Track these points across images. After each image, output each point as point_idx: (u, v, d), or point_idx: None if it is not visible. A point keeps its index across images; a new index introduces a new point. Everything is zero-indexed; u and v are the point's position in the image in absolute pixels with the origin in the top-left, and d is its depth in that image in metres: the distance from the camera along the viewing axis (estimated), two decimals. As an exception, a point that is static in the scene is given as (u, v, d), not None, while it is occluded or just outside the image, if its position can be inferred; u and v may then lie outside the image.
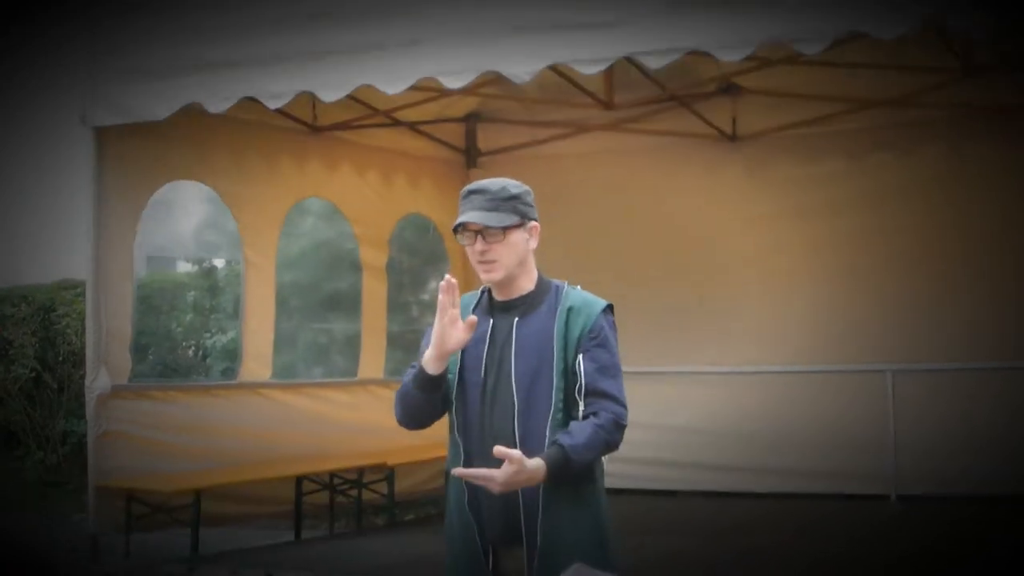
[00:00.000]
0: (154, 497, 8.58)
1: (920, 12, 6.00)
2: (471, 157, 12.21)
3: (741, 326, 11.12)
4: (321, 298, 14.96)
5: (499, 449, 3.55)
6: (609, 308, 3.87)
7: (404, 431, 11.71)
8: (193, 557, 8.47)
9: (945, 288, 10.43)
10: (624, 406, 3.73)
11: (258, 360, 9.99)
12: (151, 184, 9.07)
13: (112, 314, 8.64)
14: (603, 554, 3.75)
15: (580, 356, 3.74)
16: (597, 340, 3.78)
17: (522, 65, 6.95)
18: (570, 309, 3.80)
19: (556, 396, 3.73)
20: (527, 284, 3.86)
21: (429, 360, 3.76)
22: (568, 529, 3.72)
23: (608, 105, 10.46)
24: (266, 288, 10.08)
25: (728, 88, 10.87)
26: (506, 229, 3.78)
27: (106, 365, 8.55)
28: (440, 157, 11.96)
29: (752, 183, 11.21)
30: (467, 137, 12.24)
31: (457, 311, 3.75)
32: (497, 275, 3.81)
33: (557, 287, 3.89)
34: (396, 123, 11.04)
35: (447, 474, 3.96)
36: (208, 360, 15.85)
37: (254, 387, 9.89)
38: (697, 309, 11.28)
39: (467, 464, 3.82)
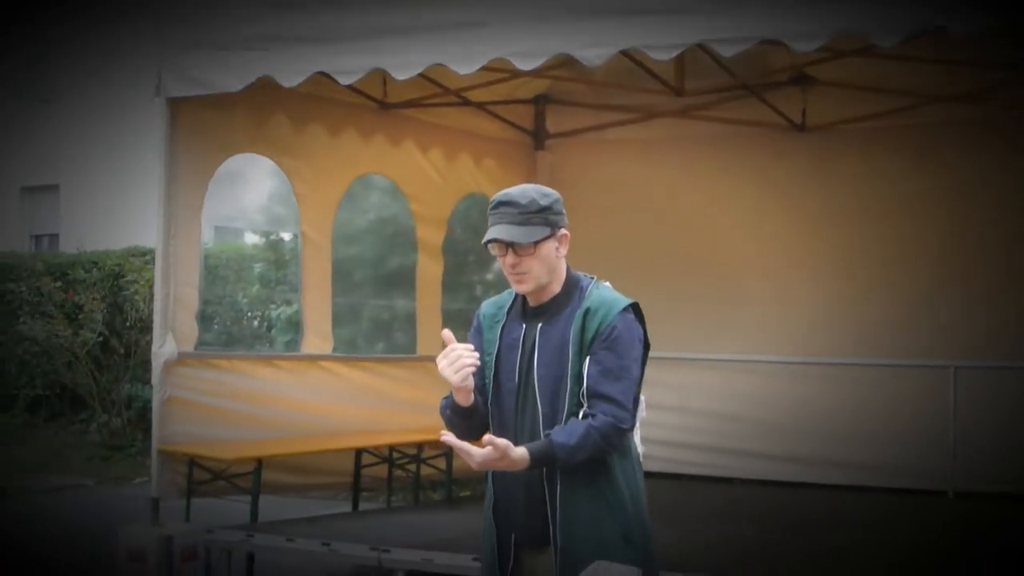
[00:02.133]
0: (215, 464, 8.64)
1: (999, 9, 5.90)
2: (539, 139, 12.17)
3: (803, 316, 11.02)
4: (382, 274, 15.00)
5: (487, 437, 3.59)
6: (630, 307, 3.81)
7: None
8: (252, 524, 8.50)
9: (1009, 285, 10.29)
10: (626, 409, 3.68)
11: (319, 334, 10.02)
12: (218, 155, 9.10)
13: (180, 282, 8.69)
14: (631, 549, 3.71)
15: (588, 359, 3.71)
16: (606, 342, 3.73)
17: (594, 48, 6.91)
18: (587, 311, 3.77)
19: (570, 400, 3.71)
20: (555, 287, 3.84)
21: (455, 393, 3.84)
22: (587, 526, 3.71)
23: (678, 92, 10.38)
24: (323, 262, 10.08)
25: (799, 78, 10.76)
26: (536, 243, 3.75)
27: (173, 332, 8.60)
28: (506, 138, 11.92)
29: (818, 175, 11.10)
30: (536, 119, 12.19)
31: (457, 349, 3.78)
32: (527, 287, 3.81)
33: (583, 287, 3.84)
34: (466, 103, 11.01)
35: (487, 475, 3.96)
36: (273, 332, 15.96)
37: (316, 360, 9.92)
38: (756, 297, 11.20)
39: (499, 473, 3.85)
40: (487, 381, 3.86)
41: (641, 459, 3.92)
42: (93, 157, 22.98)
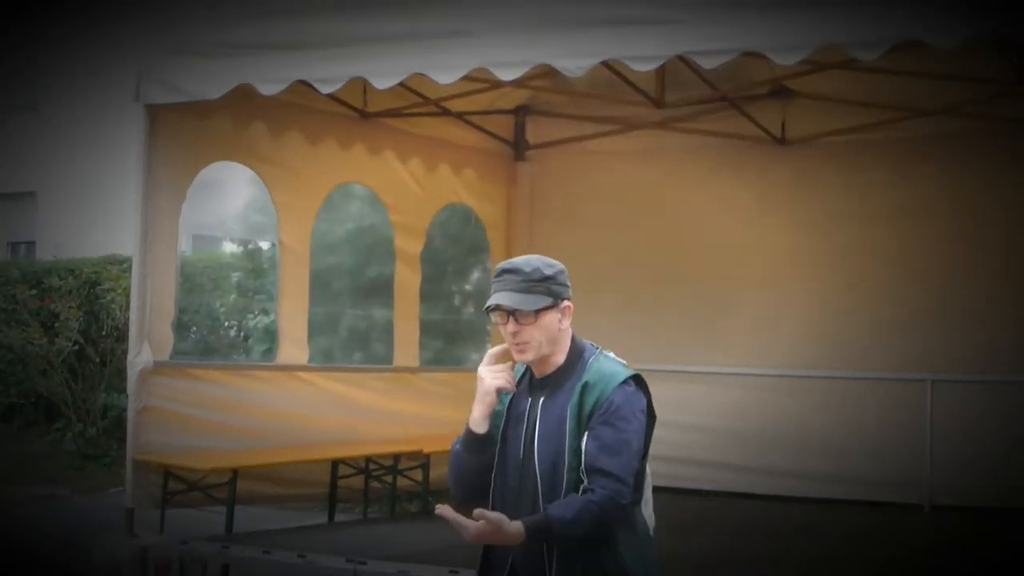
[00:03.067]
0: (191, 474, 8.59)
1: (980, 22, 5.89)
2: (519, 150, 12.15)
3: (780, 328, 11.02)
4: (360, 284, 14.96)
5: (479, 511, 3.58)
6: (631, 379, 3.79)
7: (440, 420, 11.77)
8: (227, 535, 8.45)
9: (988, 300, 10.31)
10: (626, 484, 3.64)
11: (295, 343, 9.97)
12: (196, 163, 9.06)
13: (156, 291, 8.64)
14: None
15: (586, 434, 3.69)
16: (604, 417, 3.71)
17: (575, 59, 6.89)
18: (585, 385, 3.75)
19: (569, 476, 3.68)
20: (559, 359, 3.83)
21: (474, 419, 3.82)
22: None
23: (658, 103, 10.37)
24: (301, 271, 10.05)
25: (779, 91, 10.76)
26: (538, 312, 3.73)
27: (149, 341, 8.55)
28: (487, 148, 11.90)
29: (799, 188, 11.10)
30: (516, 129, 12.17)
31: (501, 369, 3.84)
32: (528, 356, 3.80)
33: (585, 359, 3.82)
34: (446, 113, 10.98)
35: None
36: (250, 341, 15.90)
37: (292, 370, 9.87)
38: (735, 309, 11.19)
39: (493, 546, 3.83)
40: (495, 445, 3.84)
41: (652, 531, 3.86)
42: (72, 164, 22.86)
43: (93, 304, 15.34)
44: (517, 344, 3.77)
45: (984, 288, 10.34)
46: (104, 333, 15.07)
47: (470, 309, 13.78)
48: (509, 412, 3.85)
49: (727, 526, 9.42)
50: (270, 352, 10.36)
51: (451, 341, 12.65)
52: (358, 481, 10.03)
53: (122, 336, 13.40)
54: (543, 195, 11.92)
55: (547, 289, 3.75)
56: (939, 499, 10.31)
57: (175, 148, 8.73)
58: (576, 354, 3.82)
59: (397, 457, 10.00)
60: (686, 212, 11.40)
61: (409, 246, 11.10)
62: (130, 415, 8.59)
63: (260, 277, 16.31)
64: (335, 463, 9.75)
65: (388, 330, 11.41)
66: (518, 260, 3.80)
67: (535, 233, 11.68)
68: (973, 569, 7.85)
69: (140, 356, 8.49)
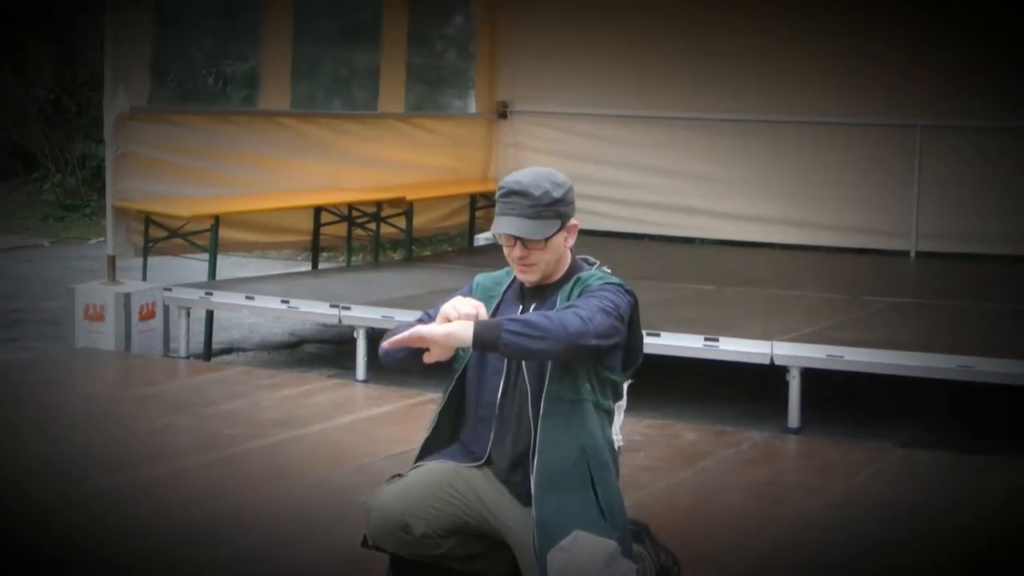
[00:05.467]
0: (172, 221, 8.56)
1: None
2: None
3: (773, 72, 10.82)
4: (344, 26, 14.65)
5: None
6: (622, 287, 3.65)
7: (423, 166, 11.73)
8: (210, 282, 8.50)
9: (979, 44, 10.16)
10: (585, 321, 3.46)
11: (277, 88, 9.86)
12: None
13: (131, 33, 8.48)
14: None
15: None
16: (585, 294, 3.61)
17: None
18: (577, 280, 3.65)
19: (550, 376, 3.57)
20: (558, 274, 3.71)
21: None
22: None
23: None
24: (283, 13, 9.85)
25: None
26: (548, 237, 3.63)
27: (125, 85, 8.43)
28: None
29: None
30: None
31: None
32: (534, 277, 3.68)
33: (579, 274, 3.70)
34: None
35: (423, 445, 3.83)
36: (228, 88, 15.68)
37: (273, 115, 9.78)
38: (727, 52, 10.99)
39: (464, 447, 3.75)
40: (466, 352, 3.72)
41: (619, 450, 3.79)
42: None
43: (65, 45, 15.08)
44: (523, 266, 3.68)
45: (975, 33, 10.16)
46: (80, 81, 14.89)
47: (453, 53, 13.58)
48: (495, 315, 3.70)
49: (712, 272, 9.49)
50: (250, 100, 10.23)
51: (434, 86, 12.48)
52: (341, 229, 10.04)
53: (99, 85, 13.24)
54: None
55: (556, 212, 3.63)
56: (925, 246, 10.41)
57: None
58: (574, 269, 3.72)
59: (380, 204, 9.99)
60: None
61: (395, -14, 10.89)
62: (108, 161, 8.53)
63: (237, 19, 15.96)
64: (318, 210, 9.73)
65: (370, 76, 11.26)
66: (525, 180, 3.63)
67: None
68: (957, 310, 7.97)
69: (116, 99, 8.37)
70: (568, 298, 3.63)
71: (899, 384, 6.75)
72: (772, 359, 6.53)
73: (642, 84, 11.13)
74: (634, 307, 3.67)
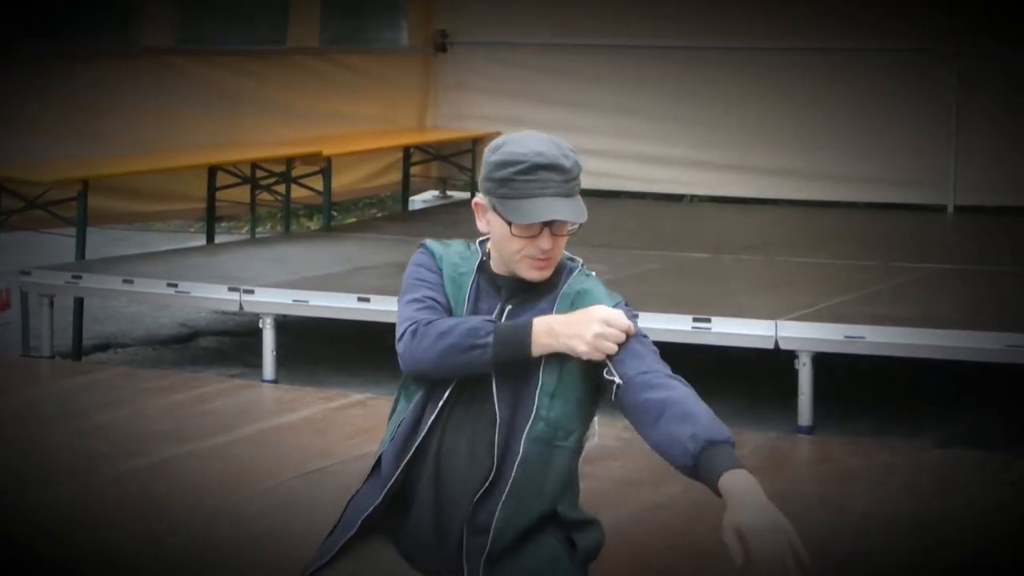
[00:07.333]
0: (30, 188, 8.53)
1: None
2: None
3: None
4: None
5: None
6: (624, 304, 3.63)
7: (343, 115, 11.76)
8: (79, 263, 8.46)
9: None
10: None
11: (159, 20, 9.87)
12: None
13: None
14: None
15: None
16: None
17: None
18: (580, 293, 3.59)
19: (541, 400, 3.52)
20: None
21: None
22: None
23: None
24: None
25: None
26: None
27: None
28: None
29: None
30: None
31: None
32: (547, 274, 3.62)
33: (570, 270, 3.66)
34: None
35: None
36: (96, 21, 15.55)
37: (156, 54, 9.78)
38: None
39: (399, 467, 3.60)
40: None
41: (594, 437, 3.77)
42: None
43: None
44: (543, 261, 3.61)
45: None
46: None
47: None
48: (471, 304, 3.64)
49: (708, 238, 9.51)
50: (125, 36, 10.17)
51: (357, 14, 12.43)
52: (243, 193, 10.01)
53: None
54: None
55: (579, 185, 3.60)
56: (966, 199, 10.46)
57: None
58: (561, 264, 3.69)
59: (291, 161, 9.96)
60: None
61: None
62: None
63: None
64: (213, 170, 9.70)
65: (276, 3, 11.23)
66: (551, 152, 3.54)
67: None
68: (1009, 284, 7.99)
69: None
70: (571, 307, 3.58)
71: (935, 370, 6.75)
72: (777, 343, 6.53)
73: (611, 5, 11.13)
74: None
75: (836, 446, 6.23)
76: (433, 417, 3.55)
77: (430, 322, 3.55)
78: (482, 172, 3.59)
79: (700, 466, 3.33)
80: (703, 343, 6.77)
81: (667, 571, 4.13)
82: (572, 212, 3.54)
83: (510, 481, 3.46)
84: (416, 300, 3.61)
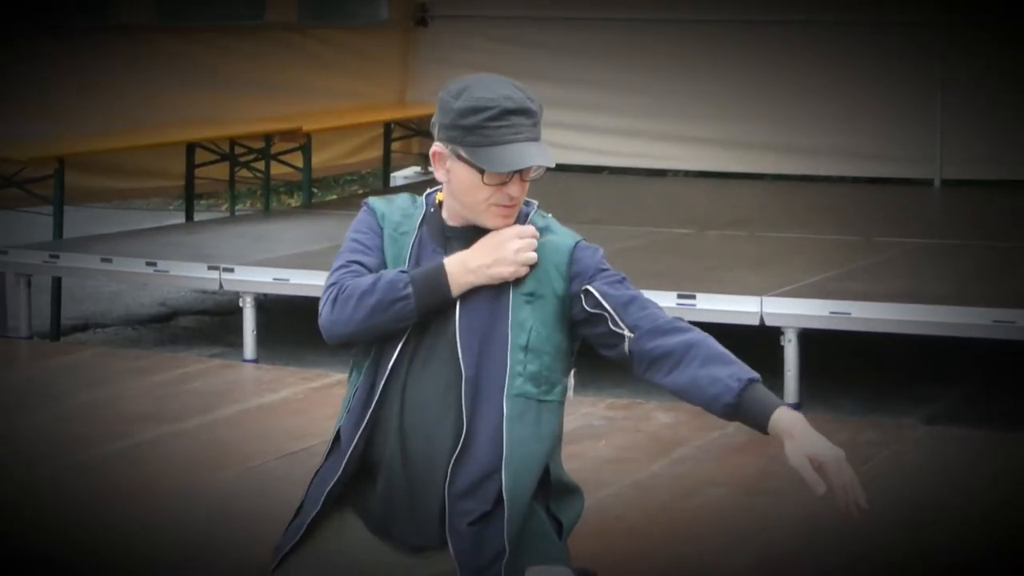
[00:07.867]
0: (5, 166, 8.52)
1: None
2: None
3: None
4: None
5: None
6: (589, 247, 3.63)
7: (324, 91, 11.72)
8: (57, 241, 8.44)
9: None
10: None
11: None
12: None
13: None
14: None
15: (592, 292, 3.52)
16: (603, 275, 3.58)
17: None
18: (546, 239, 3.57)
19: (513, 357, 3.50)
20: None
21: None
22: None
23: None
24: None
25: None
26: None
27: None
28: None
29: None
30: None
31: None
32: (512, 221, 3.57)
33: (524, 214, 3.61)
34: None
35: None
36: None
37: (133, 31, 9.76)
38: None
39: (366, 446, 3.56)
40: None
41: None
42: None
43: None
44: (510, 207, 3.55)
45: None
46: None
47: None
48: (413, 262, 3.59)
49: (693, 215, 9.50)
50: (100, 12, 10.15)
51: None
52: (222, 170, 10.01)
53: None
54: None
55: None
56: (953, 172, 10.47)
57: None
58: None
59: (270, 138, 9.96)
60: None
61: None
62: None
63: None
64: (191, 147, 9.70)
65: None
66: (517, 96, 3.52)
67: None
68: (997, 259, 7.99)
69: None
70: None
71: (922, 346, 6.75)
72: (762, 319, 6.55)
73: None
74: None
75: (822, 423, 6.19)
76: (385, 379, 3.51)
77: (345, 287, 3.50)
78: (442, 119, 3.51)
79: (743, 404, 3.41)
80: (688, 320, 6.75)
81: (651, 549, 4.12)
82: (545, 157, 3.51)
83: (504, 443, 3.42)
84: (342, 267, 3.57)
